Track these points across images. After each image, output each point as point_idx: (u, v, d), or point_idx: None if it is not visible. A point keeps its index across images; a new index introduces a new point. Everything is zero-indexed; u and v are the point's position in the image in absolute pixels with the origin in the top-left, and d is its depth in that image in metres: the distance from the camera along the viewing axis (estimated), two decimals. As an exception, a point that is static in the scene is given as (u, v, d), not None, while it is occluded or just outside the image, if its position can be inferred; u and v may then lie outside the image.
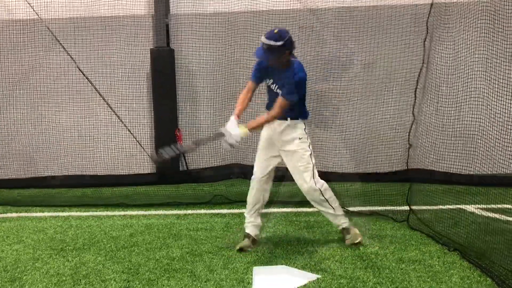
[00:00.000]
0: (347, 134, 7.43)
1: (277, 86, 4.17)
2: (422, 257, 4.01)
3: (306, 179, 4.18)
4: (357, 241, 4.31)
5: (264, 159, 4.34)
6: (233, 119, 4.07)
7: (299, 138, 4.19)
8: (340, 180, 6.78)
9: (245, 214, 4.50)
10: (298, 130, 4.20)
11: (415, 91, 5.52)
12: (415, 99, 5.51)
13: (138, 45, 7.91)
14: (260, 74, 4.24)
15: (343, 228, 4.41)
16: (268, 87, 4.27)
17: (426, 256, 4.05)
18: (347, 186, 6.65)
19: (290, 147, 4.21)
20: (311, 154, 4.22)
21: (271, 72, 4.17)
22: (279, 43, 3.92)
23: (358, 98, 7.37)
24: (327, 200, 4.26)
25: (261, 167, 4.34)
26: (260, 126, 4.27)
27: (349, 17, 7.32)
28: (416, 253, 4.12)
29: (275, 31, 3.97)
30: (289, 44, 3.99)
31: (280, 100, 4.08)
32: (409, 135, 5.45)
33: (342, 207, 4.47)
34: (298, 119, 4.21)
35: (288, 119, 4.18)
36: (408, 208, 5.17)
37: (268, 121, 4.20)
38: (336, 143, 7.42)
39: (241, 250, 4.25)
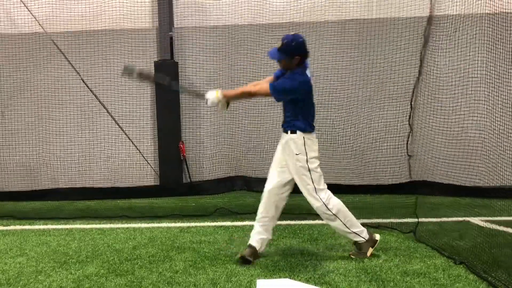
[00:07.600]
0: (346, 145, 7.42)
1: None
2: (427, 270, 3.98)
3: (312, 194, 4.16)
4: (362, 256, 4.27)
5: (274, 170, 4.31)
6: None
7: (296, 154, 4.13)
8: (344, 192, 6.76)
9: (254, 224, 4.38)
10: (296, 145, 4.13)
11: (411, 101, 5.53)
12: (411, 110, 5.51)
13: (142, 58, 7.95)
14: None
15: (355, 242, 4.34)
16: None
17: (431, 269, 4.01)
18: (351, 198, 6.61)
19: (289, 162, 4.19)
20: (309, 169, 4.13)
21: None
22: (282, 46, 4.02)
23: (355, 109, 7.38)
24: (336, 216, 4.19)
25: (270, 178, 4.31)
26: (235, 97, 4.28)
27: (344, 29, 7.36)
28: (421, 266, 4.08)
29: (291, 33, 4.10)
30: (288, 50, 4.02)
31: (265, 86, 4.10)
32: (407, 145, 5.44)
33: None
34: (296, 132, 4.14)
35: (288, 132, 4.16)
36: (416, 220, 5.14)
37: (241, 95, 4.27)
38: (335, 154, 7.41)
39: (242, 258, 4.20)
